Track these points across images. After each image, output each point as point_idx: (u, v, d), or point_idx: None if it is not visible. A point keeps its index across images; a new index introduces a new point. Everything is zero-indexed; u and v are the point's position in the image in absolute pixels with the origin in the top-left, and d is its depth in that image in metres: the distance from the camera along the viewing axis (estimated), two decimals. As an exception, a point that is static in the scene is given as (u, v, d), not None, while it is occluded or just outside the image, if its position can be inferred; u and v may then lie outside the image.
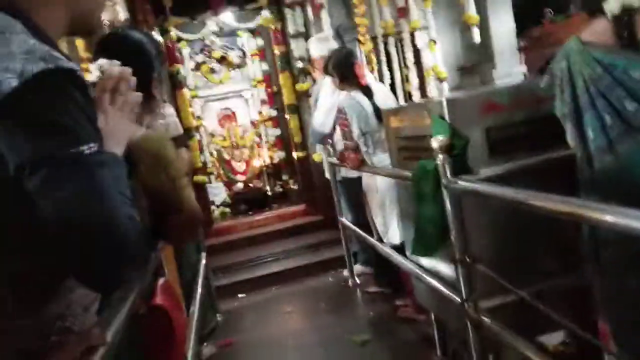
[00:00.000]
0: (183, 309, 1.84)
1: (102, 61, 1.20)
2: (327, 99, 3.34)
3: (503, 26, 4.47)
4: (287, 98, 5.17)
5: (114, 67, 1.05)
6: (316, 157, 4.52)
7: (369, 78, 3.31)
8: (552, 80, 1.67)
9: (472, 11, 4.10)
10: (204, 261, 3.30)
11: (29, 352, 0.80)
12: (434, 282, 2.01)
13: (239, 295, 4.02)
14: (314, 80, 4.13)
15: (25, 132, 0.73)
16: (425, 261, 2.18)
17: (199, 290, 2.65)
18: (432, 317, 2.42)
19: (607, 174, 1.48)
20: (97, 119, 0.85)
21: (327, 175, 3.79)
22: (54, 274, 0.83)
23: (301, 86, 4.82)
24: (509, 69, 4.40)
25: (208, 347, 2.99)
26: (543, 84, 1.71)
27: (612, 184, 1.48)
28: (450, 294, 1.82)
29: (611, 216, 0.96)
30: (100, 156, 0.78)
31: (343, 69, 3.04)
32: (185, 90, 5.16)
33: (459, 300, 1.70)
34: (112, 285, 0.84)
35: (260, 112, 6.93)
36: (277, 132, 6.60)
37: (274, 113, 6.58)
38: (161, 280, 1.50)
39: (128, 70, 1.03)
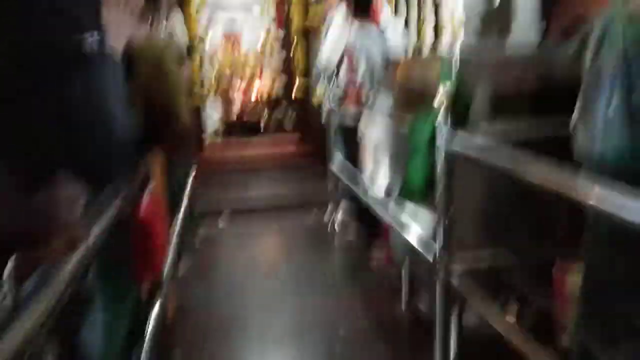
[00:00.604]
0: (166, 222, 1.91)
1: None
2: (337, 32, 3.28)
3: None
4: (297, 21, 5.03)
5: None
6: (316, 100, 4.46)
7: (386, 13, 3.24)
8: (584, 42, 1.60)
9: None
10: (192, 179, 3.36)
11: (17, 234, 0.85)
12: (410, 237, 2.07)
13: (221, 220, 4.11)
14: (329, 5, 4.02)
15: (29, 15, 0.73)
16: (405, 217, 2.24)
17: (183, 206, 2.72)
18: (404, 271, 2.52)
19: (622, 148, 1.47)
20: (102, 11, 0.86)
21: (325, 118, 3.78)
22: (47, 164, 0.87)
23: (315, 10, 4.68)
24: (528, 31, 4.29)
25: (185, 264, 3.10)
26: (571, 49, 1.66)
27: (626, 159, 1.47)
28: (426, 250, 1.89)
29: (601, 191, 0.99)
30: (102, 47, 0.79)
31: (360, 0, 2.97)
32: (193, -2, 5.01)
33: (432, 258, 1.77)
34: (102, 179, 0.88)
35: (267, 32, 6.77)
36: (282, 56, 6.47)
37: (281, 35, 6.42)
38: (148, 192, 1.55)
39: None
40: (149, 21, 1.58)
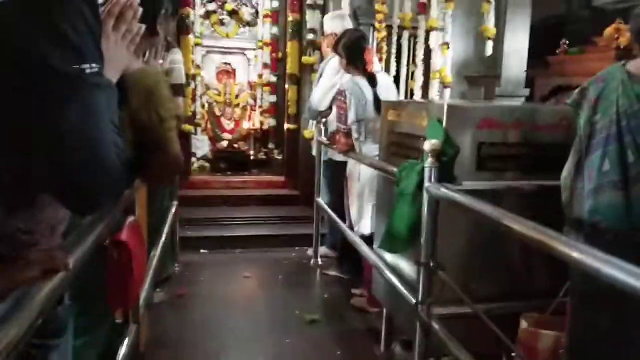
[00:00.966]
0: (146, 250, 1.85)
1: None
2: (330, 78, 3.34)
3: (517, 45, 4.49)
4: (290, 67, 5.11)
5: None
6: (306, 133, 4.50)
7: (376, 66, 3.30)
8: (581, 99, 1.63)
9: (490, 24, 4.12)
10: (174, 209, 3.31)
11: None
12: (393, 279, 2.05)
13: (202, 251, 4.03)
14: (322, 55, 4.10)
15: (31, 39, 0.72)
16: (390, 257, 2.22)
17: (164, 236, 2.66)
18: (384, 312, 2.48)
19: (614, 208, 1.48)
20: (101, 42, 0.85)
21: (314, 153, 3.80)
22: (30, 186, 0.83)
23: (307, 59, 4.77)
24: (515, 88, 4.43)
25: (161, 294, 3.01)
26: (571, 100, 1.68)
27: (617, 219, 1.48)
28: (407, 294, 1.87)
29: (579, 254, 0.99)
30: (99, 78, 0.79)
31: (352, 52, 3.03)
32: (190, 37, 5.06)
33: (414, 302, 1.74)
34: (88, 207, 0.85)
35: (260, 75, 6.86)
36: (273, 99, 6.54)
37: (273, 79, 6.50)
38: (130, 219, 1.50)
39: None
40: (146, 56, 1.57)
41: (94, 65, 0.77)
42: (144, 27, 1.06)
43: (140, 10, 1.04)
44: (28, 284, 0.78)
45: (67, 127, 0.73)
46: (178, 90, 2.68)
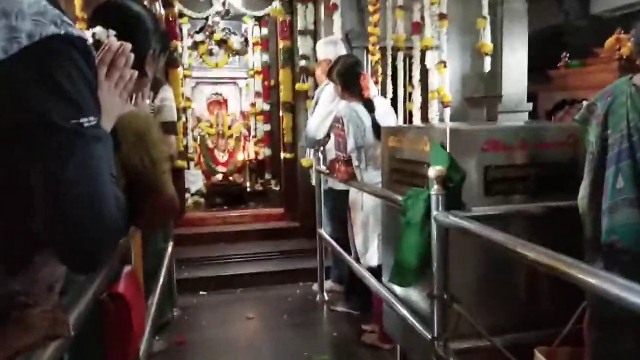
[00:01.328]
0: (144, 299, 1.84)
1: (97, 29, 1.20)
2: (326, 105, 3.36)
3: (516, 60, 4.56)
4: (284, 95, 5.16)
5: (113, 40, 1.07)
6: (305, 162, 4.52)
7: (373, 91, 3.34)
8: (589, 115, 1.65)
9: (487, 40, 4.18)
10: (170, 251, 3.29)
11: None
12: (406, 314, 2.03)
13: (201, 292, 4.00)
14: (316, 82, 4.15)
15: (29, 94, 0.74)
16: (400, 290, 2.21)
17: (161, 281, 2.64)
18: (398, 349, 2.45)
19: (631, 227, 1.49)
20: (97, 92, 0.87)
21: (314, 182, 3.81)
22: (25, 248, 0.84)
23: (301, 86, 4.82)
24: (517, 104, 4.48)
25: (160, 342, 2.97)
26: (578, 116, 1.70)
27: (634, 239, 1.48)
28: (421, 329, 1.85)
29: (598, 281, 0.99)
30: (97, 131, 0.80)
31: (347, 78, 3.06)
32: (179, 69, 5.13)
33: (430, 337, 1.73)
34: (88, 264, 0.85)
35: (253, 104, 6.92)
36: (268, 128, 6.59)
37: (267, 108, 6.57)
38: (127, 268, 1.50)
39: (128, 45, 1.04)
40: (134, 98, 1.60)
41: (92, 117, 0.78)
42: (136, 73, 1.08)
43: (132, 56, 1.06)
44: (29, 350, 0.78)
45: (67, 184, 0.74)
46: (170, 128, 2.71)
